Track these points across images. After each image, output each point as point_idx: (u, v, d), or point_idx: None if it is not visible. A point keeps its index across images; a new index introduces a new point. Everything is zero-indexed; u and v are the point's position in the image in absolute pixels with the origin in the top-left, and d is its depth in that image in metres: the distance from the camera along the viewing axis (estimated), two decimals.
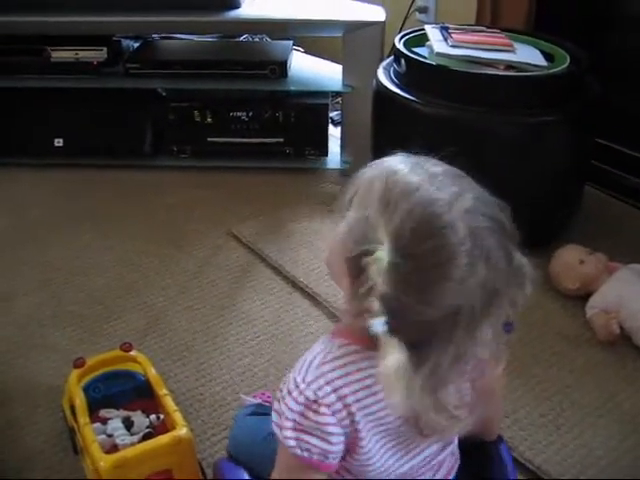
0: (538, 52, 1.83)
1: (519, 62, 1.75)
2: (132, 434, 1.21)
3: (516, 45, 1.84)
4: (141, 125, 2.33)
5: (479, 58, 1.76)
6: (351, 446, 0.82)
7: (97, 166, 2.31)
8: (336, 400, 0.79)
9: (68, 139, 2.32)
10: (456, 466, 0.95)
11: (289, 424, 0.80)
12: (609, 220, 2.01)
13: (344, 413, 0.80)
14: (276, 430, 0.83)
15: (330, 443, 0.80)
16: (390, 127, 1.88)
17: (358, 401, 0.80)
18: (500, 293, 0.75)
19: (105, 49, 2.29)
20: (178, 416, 1.19)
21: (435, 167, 0.78)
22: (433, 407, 0.76)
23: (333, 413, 0.79)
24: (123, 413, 1.26)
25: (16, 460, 1.29)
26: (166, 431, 1.18)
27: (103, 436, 1.19)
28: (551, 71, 1.73)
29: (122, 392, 1.29)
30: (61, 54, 2.28)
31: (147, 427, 1.22)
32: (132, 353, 1.34)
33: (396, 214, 0.73)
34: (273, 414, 0.83)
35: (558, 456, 1.29)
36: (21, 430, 1.36)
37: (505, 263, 0.75)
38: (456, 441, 0.94)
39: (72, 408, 1.26)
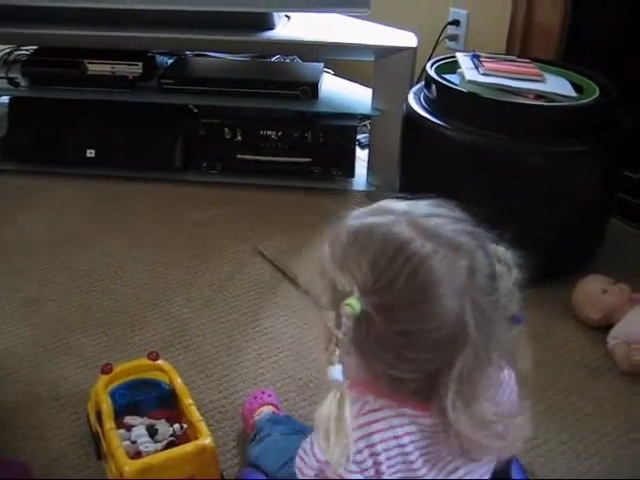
0: (568, 83, 1.85)
1: (549, 92, 1.77)
2: (155, 442, 1.22)
3: (546, 75, 1.86)
4: (172, 140, 2.36)
5: (509, 87, 1.78)
6: None
7: (127, 178, 2.35)
8: (368, 456, 0.80)
9: (100, 150, 2.36)
10: None
11: (312, 473, 0.83)
12: (633, 252, 2.02)
13: (370, 462, 0.80)
14: (299, 474, 0.85)
15: None
16: (419, 152, 1.90)
17: (386, 450, 0.80)
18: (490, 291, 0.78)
19: (140, 64, 2.33)
20: (202, 425, 1.21)
21: (394, 204, 0.84)
22: (470, 424, 0.78)
23: (361, 470, 0.80)
24: (147, 421, 1.27)
25: (40, 462, 1.31)
26: (188, 441, 1.20)
27: (127, 442, 1.21)
28: (580, 102, 1.75)
29: (147, 400, 1.32)
30: (97, 67, 2.32)
31: (170, 436, 1.23)
32: (159, 362, 1.36)
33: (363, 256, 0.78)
34: (297, 459, 0.85)
35: None
36: (46, 432, 1.38)
37: (486, 261, 0.78)
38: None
39: (98, 413, 1.27)
